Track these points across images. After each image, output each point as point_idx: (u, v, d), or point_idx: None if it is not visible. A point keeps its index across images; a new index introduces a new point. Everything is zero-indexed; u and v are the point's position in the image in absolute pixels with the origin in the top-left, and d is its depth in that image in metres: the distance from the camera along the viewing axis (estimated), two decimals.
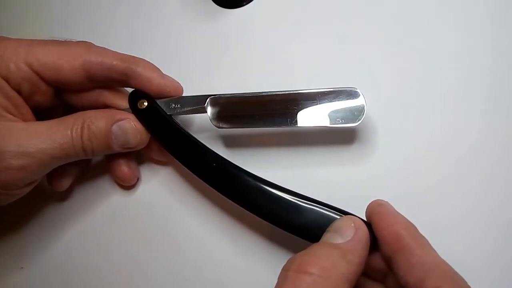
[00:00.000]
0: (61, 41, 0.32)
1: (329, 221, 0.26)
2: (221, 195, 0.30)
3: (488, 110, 0.32)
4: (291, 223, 0.27)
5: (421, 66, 0.34)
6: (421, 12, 0.36)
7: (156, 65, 0.34)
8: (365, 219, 0.26)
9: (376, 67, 0.35)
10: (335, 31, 0.37)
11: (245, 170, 0.29)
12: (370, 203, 0.26)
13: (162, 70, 0.34)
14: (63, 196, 0.37)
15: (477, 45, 0.34)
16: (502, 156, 0.31)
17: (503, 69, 0.33)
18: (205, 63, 0.39)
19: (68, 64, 0.31)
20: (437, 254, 0.23)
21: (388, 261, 0.24)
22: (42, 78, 0.31)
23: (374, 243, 0.25)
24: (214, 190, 0.30)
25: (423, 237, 0.24)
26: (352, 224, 0.24)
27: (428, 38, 0.35)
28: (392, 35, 0.36)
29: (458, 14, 0.35)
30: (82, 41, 0.33)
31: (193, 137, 0.32)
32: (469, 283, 0.22)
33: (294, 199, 0.27)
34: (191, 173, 0.31)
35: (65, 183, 0.35)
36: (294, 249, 0.31)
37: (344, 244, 0.23)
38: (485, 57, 0.33)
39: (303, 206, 0.27)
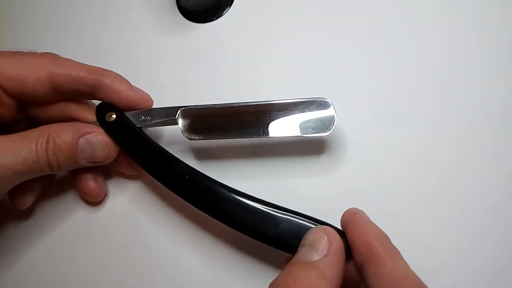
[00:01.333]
0: (26, 52, 0.31)
1: (305, 230, 0.25)
2: (191, 209, 0.29)
3: (462, 123, 0.32)
4: (266, 234, 0.27)
5: (393, 76, 0.35)
6: (394, 21, 0.37)
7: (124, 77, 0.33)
8: (340, 227, 0.26)
9: (346, 77, 0.36)
10: (304, 43, 0.38)
11: (220, 182, 0.29)
12: (345, 211, 0.26)
13: (131, 83, 0.33)
14: (26, 214, 0.36)
15: (453, 53, 0.34)
16: (479, 168, 0.31)
17: (476, 79, 0.33)
18: (174, 75, 0.39)
19: (33, 76, 0.30)
20: (408, 266, 0.23)
21: (360, 270, 0.25)
22: (5, 91, 0.30)
23: (349, 251, 0.25)
24: (184, 203, 0.30)
25: (395, 248, 0.24)
26: (325, 237, 0.24)
27: (401, 48, 0.36)
28: (363, 45, 0.36)
29: (434, 20, 0.36)
30: (48, 52, 0.32)
31: (164, 149, 0.31)
32: None
33: (269, 209, 0.27)
34: (161, 187, 0.31)
35: (28, 200, 0.33)
36: (268, 262, 0.31)
37: (320, 262, 0.23)
38: (462, 69, 0.34)
39: (278, 216, 0.27)
